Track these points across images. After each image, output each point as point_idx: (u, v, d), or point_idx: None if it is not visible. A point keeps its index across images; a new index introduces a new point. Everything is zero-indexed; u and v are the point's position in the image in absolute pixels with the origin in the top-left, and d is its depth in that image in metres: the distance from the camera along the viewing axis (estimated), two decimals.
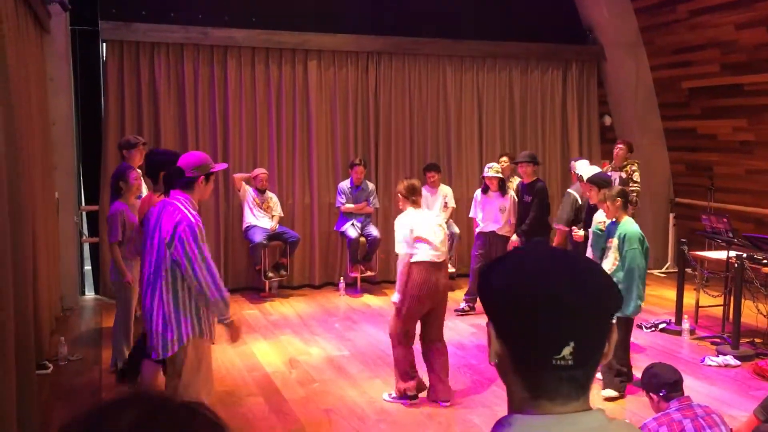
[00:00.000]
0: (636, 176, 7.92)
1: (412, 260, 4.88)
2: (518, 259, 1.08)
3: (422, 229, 4.93)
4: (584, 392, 1.03)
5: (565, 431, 0.99)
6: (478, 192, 7.68)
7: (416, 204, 5.09)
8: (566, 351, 0.99)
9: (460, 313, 7.47)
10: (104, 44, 7.97)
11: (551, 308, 0.99)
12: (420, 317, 5.04)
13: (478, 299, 7.47)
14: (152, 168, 4.78)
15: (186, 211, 3.73)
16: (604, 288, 1.03)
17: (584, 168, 6.56)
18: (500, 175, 7.44)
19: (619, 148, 8.09)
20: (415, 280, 4.87)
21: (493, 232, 7.41)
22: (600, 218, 5.65)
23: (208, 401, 3.75)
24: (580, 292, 1.00)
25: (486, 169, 7.53)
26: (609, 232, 5.36)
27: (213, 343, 3.96)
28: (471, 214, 7.88)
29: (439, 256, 4.94)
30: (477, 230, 7.61)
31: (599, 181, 5.66)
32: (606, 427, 1.01)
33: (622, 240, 5.13)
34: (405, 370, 5.04)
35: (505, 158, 8.16)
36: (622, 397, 5.17)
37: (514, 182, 7.89)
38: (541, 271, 1.03)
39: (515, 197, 7.46)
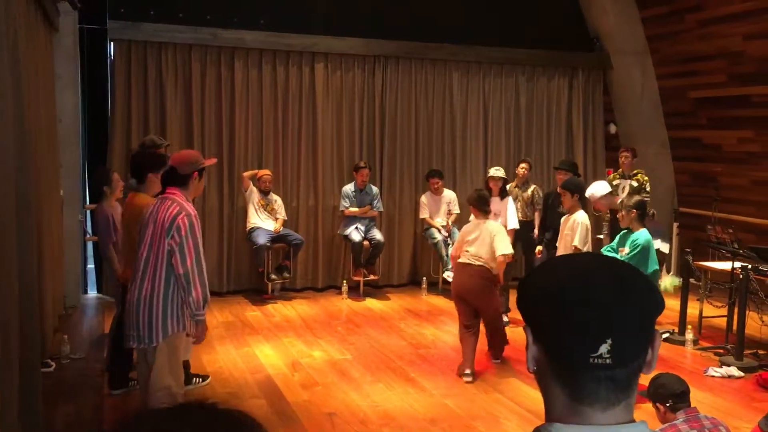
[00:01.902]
0: (648, 186, 7.86)
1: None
2: (556, 264, 1.08)
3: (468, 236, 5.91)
4: (626, 397, 1.01)
5: None
6: None
7: (485, 214, 5.98)
8: (603, 349, 0.97)
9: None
10: (112, 43, 7.98)
11: (585, 304, 0.98)
12: (460, 308, 5.90)
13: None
14: (139, 168, 4.85)
15: (185, 203, 3.92)
16: (644, 289, 1.02)
17: (598, 188, 6.51)
18: (504, 176, 7.45)
19: (624, 156, 8.03)
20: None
21: None
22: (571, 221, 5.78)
23: (178, 392, 3.94)
24: (618, 290, 0.99)
25: (493, 170, 7.53)
26: (622, 241, 5.37)
27: (187, 335, 4.09)
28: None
29: (469, 258, 5.79)
30: None
31: (572, 187, 5.84)
32: None
33: (634, 248, 5.14)
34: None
35: (524, 165, 8.14)
36: None
37: (529, 189, 7.92)
38: (576, 271, 1.02)
39: (513, 203, 7.49)
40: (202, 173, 4.10)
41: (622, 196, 7.64)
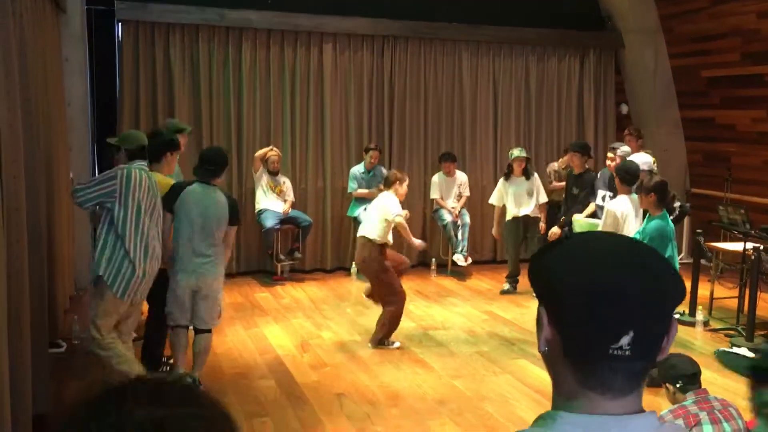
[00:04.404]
0: (654, 167, 7.81)
1: None
2: (579, 244, 1.02)
3: None
4: (638, 386, 0.98)
5: None
6: (501, 180, 7.83)
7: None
8: (624, 341, 0.93)
9: (504, 293, 7.74)
10: (120, 24, 7.95)
11: (611, 295, 0.93)
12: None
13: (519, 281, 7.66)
14: (159, 148, 4.94)
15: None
16: (668, 277, 0.98)
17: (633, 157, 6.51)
18: (527, 155, 7.72)
19: (628, 138, 8.00)
20: None
21: (526, 216, 7.63)
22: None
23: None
24: (643, 280, 0.95)
25: (516, 151, 7.75)
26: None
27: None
28: (493, 201, 7.87)
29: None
30: (508, 216, 7.73)
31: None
32: None
33: (651, 233, 5.06)
34: None
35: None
36: None
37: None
38: (602, 257, 0.97)
39: (539, 179, 7.75)
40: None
41: None
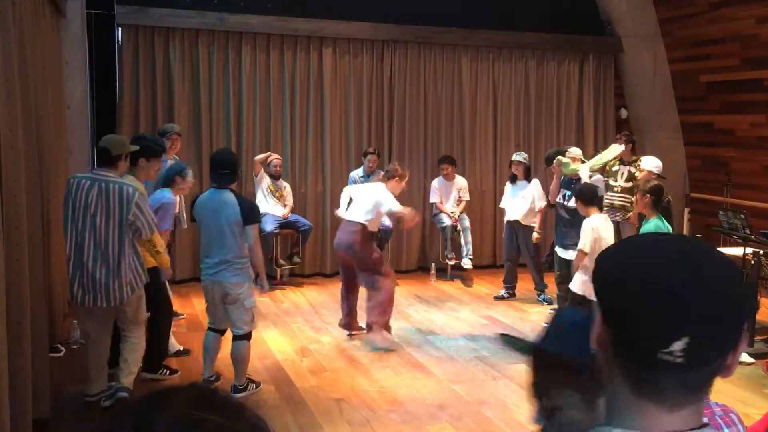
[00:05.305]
0: (638, 174, 7.82)
1: None
2: (641, 241, 0.98)
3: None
4: (696, 399, 0.91)
5: None
6: (507, 184, 7.85)
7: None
8: (677, 346, 0.86)
9: (500, 299, 7.68)
10: (120, 28, 7.96)
11: (664, 294, 0.87)
12: None
13: (516, 287, 7.68)
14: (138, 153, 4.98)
15: None
16: (734, 284, 0.91)
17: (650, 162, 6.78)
18: (526, 161, 7.66)
19: (620, 142, 8.05)
20: None
21: (516, 221, 7.59)
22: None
23: None
24: (703, 283, 0.88)
25: (515, 155, 7.75)
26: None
27: None
28: (502, 205, 7.95)
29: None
30: (505, 219, 7.77)
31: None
32: None
33: None
34: None
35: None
36: None
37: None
38: (663, 254, 0.91)
39: (538, 184, 7.67)
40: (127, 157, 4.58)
41: (620, 182, 7.70)
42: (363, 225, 5.95)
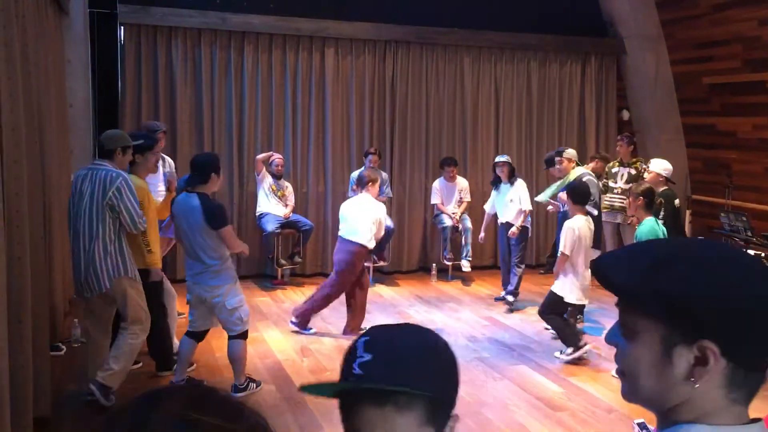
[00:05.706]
0: (646, 174, 7.84)
1: None
2: (722, 265, 1.00)
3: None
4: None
5: None
6: (493, 189, 7.79)
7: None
8: None
9: (501, 300, 7.60)
10: (122, 27, 7.96)
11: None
12: None
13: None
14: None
15: None
16: None
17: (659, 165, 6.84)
18: (510, 162, 7.56)
19: (619, 144, 8.15)
20: None
21: (508, 223, 7.52)
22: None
23: None
24: None
25: (498, 157, 7.70)
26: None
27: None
28: (486, 207, 7.87)
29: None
30: (499, 221, 7.72)
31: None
32: None
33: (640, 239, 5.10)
34: None
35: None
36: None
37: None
38: (760, 277, 0.98)
39: (523, 186, 7.55)
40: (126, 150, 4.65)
41: (620, 183, 7.70)
42: (364, 246, 6.14)
